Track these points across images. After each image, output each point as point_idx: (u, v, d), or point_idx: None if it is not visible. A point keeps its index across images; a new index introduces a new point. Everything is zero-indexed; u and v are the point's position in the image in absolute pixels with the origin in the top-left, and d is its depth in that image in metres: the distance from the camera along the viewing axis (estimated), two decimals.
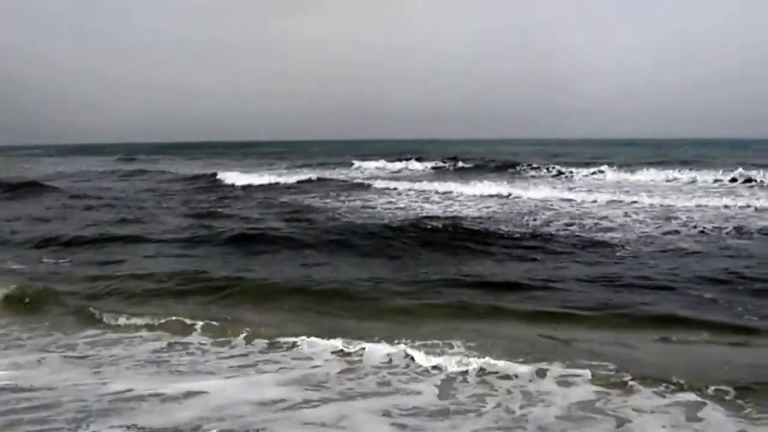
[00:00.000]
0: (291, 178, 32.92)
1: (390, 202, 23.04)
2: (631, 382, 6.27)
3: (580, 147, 77.24)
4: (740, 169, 29.06)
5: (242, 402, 6.10)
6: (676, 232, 15.36)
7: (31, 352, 7.79)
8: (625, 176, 31.41)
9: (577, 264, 12.02)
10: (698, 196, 22.39)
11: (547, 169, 35.58)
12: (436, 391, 6.36)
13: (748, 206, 19.53)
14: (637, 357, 7.23)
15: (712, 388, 6.08)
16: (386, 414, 5.81)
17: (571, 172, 33.91)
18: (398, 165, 43.51)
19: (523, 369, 6.71)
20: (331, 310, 9.40)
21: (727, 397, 5.93)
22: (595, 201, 21.77)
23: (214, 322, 8.62)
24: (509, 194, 24.16)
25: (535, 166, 36.83)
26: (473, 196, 24.22)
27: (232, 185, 30.93)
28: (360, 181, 31.26)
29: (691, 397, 5.97)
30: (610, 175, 32.19)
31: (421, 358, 7.07)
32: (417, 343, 7.66)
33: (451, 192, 25.43)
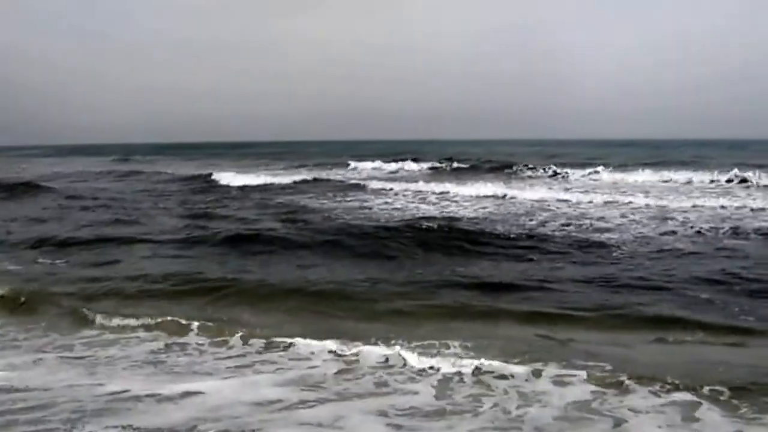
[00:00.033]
0: (287, 179, 32.90)
1: (386, 203, 23.04)
2: (627, 383, 6.28)
3: (578, 147, 77.36)
4: (735, 170, 29.17)
5: (238, 402, 6.09)
6: (673, 232, 15.37)
7: (27, 352, 7.78)
8: (621, 177, 31.44)
9: (574, 265, 12.03)
10: (694, 197, 22.41)
11: (544, 169, 35.63)
12: (433, 391, 6.36)
13: (744, 207, 19.57)
14: (633, 357, 7.24)
15: (708, 388, 6.09)
16: (382, 414, 5.81)
17: (566, 173, 33.97)
18: (394, 166, 43.52)
19: (520, 369, 6.71)
20: (328, 311, 9.40)
21: (722, 398, 5.94)
22: (591, 202, 21.80)
23: (210, 323, 8.62)
24: (505, 195, 24.16)
25: (531, 166, 36.88)
26: (469, 197, 24.23)
27: (228, 186, 30.85)
28: (356, 181, 31.25)
29: (687, 397, 5.98)
30: (607, 175, 32.25)
31: (417, 360, 7.07)
32: (414, 344, 7.67)
33: (447, 192, 25.45)
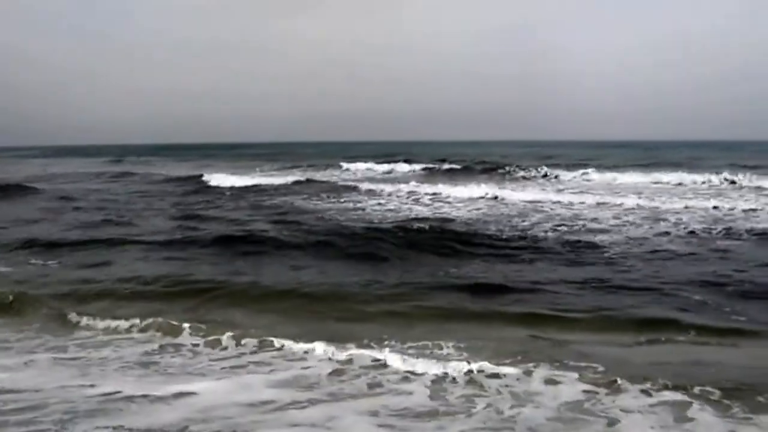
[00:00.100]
0: (280, 180, 32.87)
1: (379, 204, 23.04)
2: (619, 383, 6.28)
3: (572, 149, 77.58)
4: (725, 173, 29.36)
5: (231, 403, 6.08)
6: (666, 233, 15.40)
7: (19, 354, 7.75)
8: (614, 178, 31.49)
9: (567, 266, 12.03)
10: (687, 198, 22.47)
11: (537, 170, 35.65)
12: (427, 392, 6.36)
13: (735, 208, 19.61)
14: (626, 358, 7.25)
15: (701, 388, 6.10)
16: (375, 415, 5.80)
17: (556, 176, 33.95)
18: (387, 167, 43.52)
19: (513, 370, 6.72)
20: (321, 312, 9.39)
21: (715, 398, 5.95)
22: (584, 203, 21.83)
23: (203, 324, 8.60)
24: (498, 196, 24.17)
25: (524, 167, 36.92)
26: (462, 198, 24.23)
27: (220, 187, 30.77)
28: (350, 183, 31.23)
29: (679, 397, 5.98)
30: (600, 177, 32.28)
31: (410, 361, 7.06)
32: (407, 345, 7.69)
33: (440, 194, 25.46)
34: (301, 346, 7.66)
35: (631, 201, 21.69)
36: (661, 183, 29.34)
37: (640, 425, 5.53)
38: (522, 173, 35.35)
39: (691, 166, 38.13)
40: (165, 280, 11.11)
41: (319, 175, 37.82)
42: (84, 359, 7.58)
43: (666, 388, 6.17)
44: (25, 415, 5.80)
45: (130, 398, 6.20)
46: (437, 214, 19.84)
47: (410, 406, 6.00)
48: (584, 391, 6.19)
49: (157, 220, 19.09)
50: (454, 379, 6.61)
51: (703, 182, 28.72)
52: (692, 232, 15.49)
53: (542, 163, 39.86)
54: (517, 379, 6.53)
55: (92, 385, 6.56)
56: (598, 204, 21.46)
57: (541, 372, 6.67)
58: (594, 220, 17.86)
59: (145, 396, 6.25)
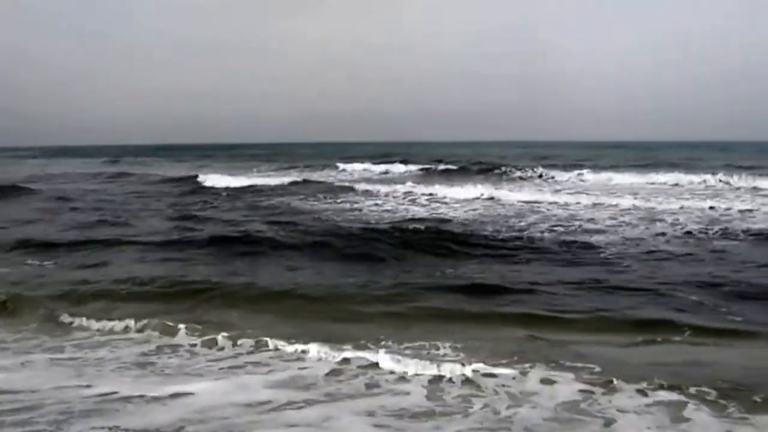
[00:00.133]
0: (277, 180, 32.86)
1: (376, 205, 23.04)
2: (616, 384, 6.29)
3: (570, 149, 77.49)
4: (721, 174, 29.46)
5: (228, 404, 6.08)
6: (662, 234, 15.41)
7: (16, 354, 7.74)
8: (611, 178, 31.52)
9: (563, 266, 12.04)
10: (684, 199, 22.49)
11: (533, 171, 35.67)
12: (424, 392, 6.37)
13: (731, 208, 19.65)
14: (622, 359, 7.26)
15: (697, 388, 6.12)
16: (371, 415, 5.80)
17: (553, 177, 33.94)
18: (384, 167, 43.51)
19: (509, 371, 6.74)
20: (318, 313, 9.38)
21: (711, 398, 5.96)
22: (580, 203, 21.86)
23: (199, 325, 8.61)
24: (495, 197, 24.19)
25: (520, 168, 36.93)
26: (459, 199, 24.24)
27: (217, 188, 30.72)
28: (346, 183, 31.23)
29: (675, 398, 6.00)
30: (597, 177, 32.28)
31: (407, 362, 7.07)
32: (404, 345, 7.70)
33: (436, 194, 25.48)
34: (298, 347, 7.66)
35: (627, 201, 21.73)
36: (657, 183, 29.37)
37: (637, 425, 5.53)
38: (518, 173, 35.35)
39: (688, 166, 38.17)
40: (161, 281, 11.09)
41: (316, 176, 37.83)
42: (81, 360, 7.57)
43: (662, 388, 6.19)
44: (21, 416, 5.79)
45: (126, 399, 6.19)
46: (434, 215, 19.85)
47: (407, 407, 6.00)
48: (581, 392, 6.20)
49: (153, 220, 19.07)
50: (450, 379, 6.62)
51: (700, 183, 28.77)
52: (689, 233, 15.51)
53: (539, 164, 39.92)
54: (514, 379, 6.54)
55: (88, 386, 6.56)
56: (595, 204, 21.50)
57: (538, 372, 6.68)
58: (590, 220, 17.88)
59: (141, 396, 6.24)
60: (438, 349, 7.56)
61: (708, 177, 29.43)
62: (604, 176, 32.17)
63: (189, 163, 59.60)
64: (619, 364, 6.96)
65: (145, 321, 8.81)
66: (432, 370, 6.79)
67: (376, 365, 7.06)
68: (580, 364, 6.87)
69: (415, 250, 13.58)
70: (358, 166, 45.50)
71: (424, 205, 22.83)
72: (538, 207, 21.31)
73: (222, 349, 7.89)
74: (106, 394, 6.30)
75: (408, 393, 6.35)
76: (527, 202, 22.49)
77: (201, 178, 34.22)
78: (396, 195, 26.04)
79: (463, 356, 7.28)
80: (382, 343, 7.77)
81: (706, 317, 8.74)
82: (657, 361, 7.14)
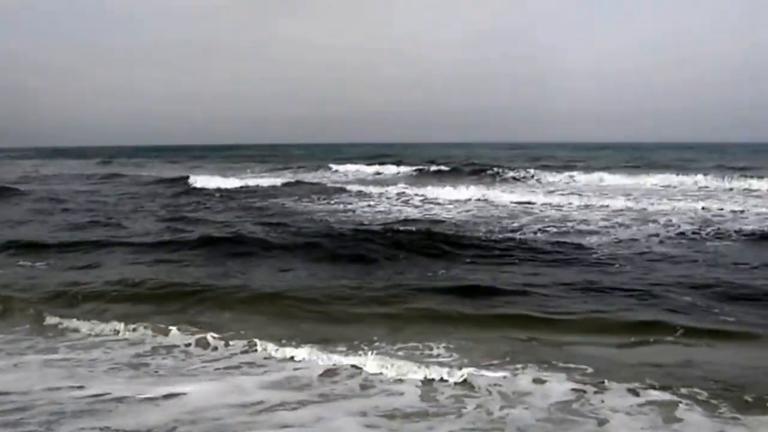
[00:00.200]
0: (270, 181, 32.84)
1: (369, 206, 23.02)
2: (608, 384, 6.30)
3: (564, 151, 77.51)
4: (710, 175, 29.64)
5: (221, 405, 6.08)
6: (655, 235, 15.44)
7: (9, 356, 7.71)
8: (604, 179, 31.59)
9: (556, 268, 12.04)
10: (676, 200, 22.54)
11: (526, 172, 35.71)
12: (418, 392, 6.38)
13: (723, 209, 19.69)
14: (615, 360, 7.28)
15: (689, 389, 6.15)
16: (365, 416, 5.81)
17: (545, 178, 33.96)
18: (377, 168, 43.48)
19: (502, 372, 6.75)
20: (311, 314, 9.37)
21: (703, 399, 5.98)
22: (573, 204, 21.89)
23: (193, 327, 8.59)
24: (488, 198, 24.21)
25: (513, 169, 36.98)
26: (452, 200, 24.24)
27: (211, 189, 30.63)
28: (339, 185, 31.22)
29: (668, 398, 6.01)
30: (589, 178, 32.32)
31: (400, 364, 7.07)
32: (397, 346, 7.69)
33: (429, 195, 25.47)
34: (292, 348, 7.65)
35: (619, 202, 21.76)
36: (649, 184, 29.45)
37: (629, 425, 5.55)
38: (511, 174, 35.37)
39: (680, 167, 38.28)
40: (154, 282, 11.06)
41: (309, 177, 37.80)
42: (74, 361, 7.55)
43: (654, 388, 6.21)
44: (12, 417, 5.78)
45: (118, 399, 6.19)
46: (427, 216, 19.85)
47: (400, 407, 6.01)
48: (573, 392, 6.21)
49: (145, 221, 19.01)
50: (444, 380, 6.61)
51: (692, 184, 28.88)
52: (681, 234, 15.55)
53: (532, 165, 40.02)
54: (507, 380, 6.55)
55: (81, 387, 6.55)
56: (587, 205, 21.53)
57: (531, 373, 6.69)
58: (583, 221, 17.90)
59: (134, 397, 6.24)
60: (431, 350, 7.57)
61: (700, 178, 29.55)
62: (596, 177, 32.22)
63: (182, 165, 59.48)
64: (612, 365, 6.98)
65: (137, 322, 8.79)
66: (425, 371, 6.79)
67: (369, 367, 7.06)
68: (572, 365, 6.89)
69: (408, 251, 13.56)
70: (351, 168, 45.45)
71: (417, 206, 22.82)
72: (531, 208, 21.33)
73: (216, 350, 7.87)
74: (99, 395, 6.29)
75: (402, 393, 6.35)
76: (520, 203, 22.52)
77: (192, 179, 34.07)
78: (389, 196, 26.02)
79: (456, 357, 7.29)
80: (376, 344, 7.77)
81: (699, 318, 8.75)
82: (649, 362, 7.16)
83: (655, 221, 17.61)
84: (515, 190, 27.01)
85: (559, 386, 6.36)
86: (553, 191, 27.31)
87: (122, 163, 64.52)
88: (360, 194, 26.94)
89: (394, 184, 30.39)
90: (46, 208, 23.10)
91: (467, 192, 25.45)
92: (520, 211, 20.64)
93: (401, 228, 16.12)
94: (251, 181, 33.08)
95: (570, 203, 22.15)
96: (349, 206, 22.87)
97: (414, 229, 15.90)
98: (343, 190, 28.30)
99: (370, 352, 7.38)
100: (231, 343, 7.96)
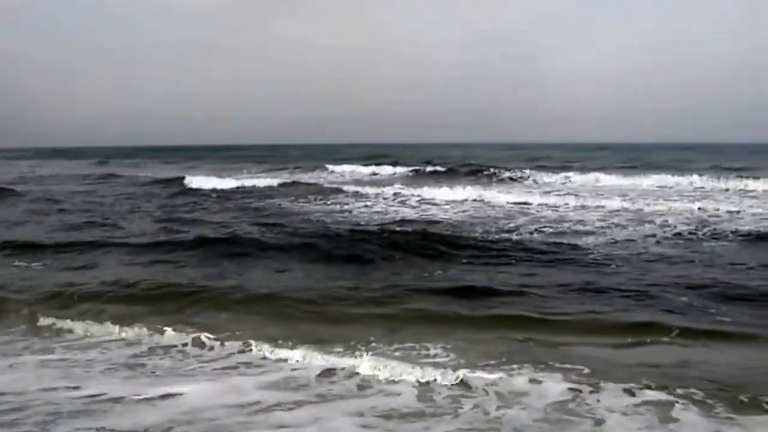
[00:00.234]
0: (266, 182, 32.82)
1: (366, 206, 23.03)
2: (604, 385, 6.31)
3: (561, 151, 77.46)
4: (706, 176, 29.71)
5: (217, 405, 6.08)
6: (652, 235, 15.46)
7: (5, 357, 7.71)
8: (599, 180, 31.62)
9: (553, 268, 12.05)
10: (673, 200, 22.56)
11: (522, 172, 35.72)
12: (415, 392, 6.39)
13: (719, 209, 19.72)
14: (611, 360, 7.29)
15: (686, 390, 6.15)
16: (361, 416, 5.81)
17: (534, 180, 33.94)
18: (373, 169, 43.45)
19: (499, 372, 6.75)
20: (308, 315, 9.36)
21: (699, 399, 5.99)
22: (570, 205, 21.90)
23: (188, 327, 8.60)
24: (485, 198, 24.20)
25: (510, 169, 36.97)
26: (448, 200, 24.24)
27: (207, 189, 30.58)
28: (336, 185, 31.23)
29: (664, 398, 6.02)
30: (586, 179, 32.33)
31: (398, 365, 7.07)
32: (394, 347, 7.70)
33: (426, 196, 25.46)
34: (288, 349, 7.66)
35: (616, 203, 21.78)
36: (646, 185, 29.48)
37: (626, 425, 5.56)
38: (508, 174, 35.36)
39: (677, 168, 38.31)
40: (150, 283, 11.04)
41: (306, 177, 37.79)
42: (70, 361, 7.55)
43: (651, 389, 6.22)
44: (7, 417, 5.78)
45: (115, 400, 6.19)
46: (423, 216, 19.86)
47: (397, 408, 6.02)
48: (570, 392, 6.22)
49: (142, 222, 18.98)
50: (440, 380, 6.62)
51: (688, 184, 28.93)
52: (678, 234, 15.57)
53: (528, 165, 40.04)
54: (503, 380, 6.55)
55: (77, 387, 6.55)
56: (584, 206, 21.54)
57: (527, 373, 6.70)
58: (580, 222, 17.91)
59: (130, 398, 6.24)
60: (428, 350, 7.58)
61: (695, 178, 29.61)
62: (591, 178, 32.24)
63: (178, 165, 59.40)
64: (608, 365, 7.00)
65: (134, 323, 8.80)
66: (422, 372, 6.80)
67: (366, 368, 7.06)
68: (569, 366, 6.90)
69: (404, 251, 13.56)
70: (347, 168, 45.40)
71: (413, 207, 22.82)
72: (528, 208, 21.34)
73: (213, 350, 7.88)
74: (95, 396, 6.29)
75: (399, 394, 6.36)
76: (517, 204, 22.53)
77: (188, 180, 34.01)
78: (386, 196, 26.01)
79: (453, 357, 7.30)
80: (372, 345, 7.77)
81: (695, 318, 8.76)
82: (646, 362, 7.17)
83: (651, 222, 17.62)
84: (512, 191, 27.03)
85: (555, 386, 6.37)
86: (549, 192, 27.31)
87: (118, 164, 64.40)
88: (357, 195, 26.92)
89: (391, 184, 30.39)
90: (42, 208, 23.07)
91: (464, 192, 25.45)
92: (516, 211, 20.66)
93: (398, 228, 16.13)
94: (248, 182, 33.04)
95: (567, 204, 22.15)
96: (346, 207, 22.88)
97: (410, 229, 15.91)
98: (339, 191, 28.29)
99: (366, 353, 7.38)
100: (227, 343, 7.96)
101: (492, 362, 7.05)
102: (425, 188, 27.26)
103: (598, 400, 6.03)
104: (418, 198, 25.10)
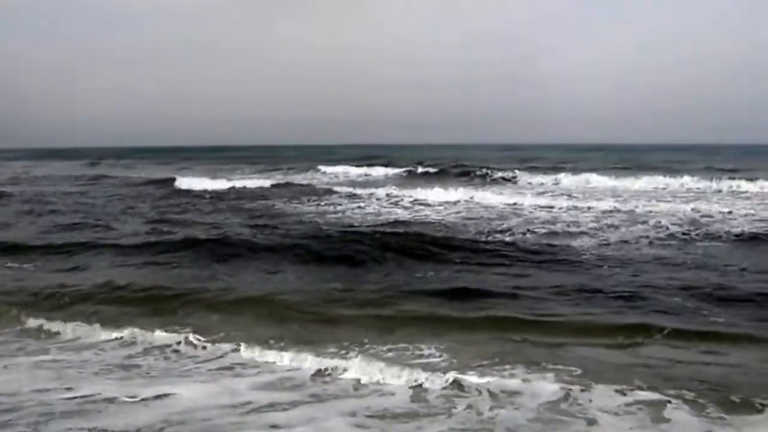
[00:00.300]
0: (259, 183, 32.80)
1: (359, 207, 23.02)
2: (596, 385, 6.33)
3: (554, 152, 77.54)
4: (697, 177, 29.88)
5: (210, 406, 6.08)
6: (645, 236, 15.48)
7: (1, 358, 7.69)
8: (589, 181, 31.67)
9: (545, 270, 12.06)
10: (666, 201, 22.62)
11: (515, 173, 35.74)
12: (409, 393, 6.41)
13: (712, 211, 19.77)
14: (604, 361, 7.31)
15: (678, 390, 6.18)
16: (355, 416, 5.82)
17: (528, 181, 33.97)
18: (365, 170, 43.44)
19: (492, 373, 6.78)
20: (300, 316, 9.35)
21: (691, 399, 6.02)
22: (563, 206, 21.91)
23: (181, 329, 8.60)
24: (477, 199, 24.21)
25: (503, 170, 37.00)
26: (441, 201, 24.22)
27: (197, 190, 30.53)
28: (329, 186, 31.22)
29: (656, 398, 6.05)
30: (579, 179, 32.35)
31: (391, 365, 7.08)
32: (387, 348, 7.71)
33: (418, 197, 25.46)
34: (282, 350, 7.67)
35: (609, 204, 21.81)
36: (639, 186, 29.55)
37: (618, 425, 5.58)
38: (500, 175, 35.40)
39: (669, 169, 38.39)
40: (142, 285, 11.03)
41: (299, 179, 37.77)
42: (63, 362, 7.55)
43: (643, 389, 6.25)
44: (1, 418, 5.76)
45: (108, 400, 6.18)
46: (416, 218, 19.86)
47: (391, 408, 6.03)
48: (562, 393, 6.23)
49: (133, 223, 18.94)
50: (434, 381, 6.63)
51: (679, 186, 29.01)
52: (671, 235, 15.61)
53: (520, 166, 40.07)
54: (496, 381, 6.57)
55: (70, 388, 6.54)
56: (577, 207, 21.55)
57: (520, 374, 6.73)
58: (573, 223, 17.93)
59: (124, 398, 6.23)
60: (421, 350, 7.59)
61: (687, 179, 29.72)
62: (582, 179, 32.28)
63: (171, 166, 59.27)
64: (601, 366, 7.02)
65: (126, 324, 8.80)
66: (415, 373, 6.81)
67: (360, 369, 7.07)
68: (561, 366, 6.93)
69: (397, 252, 13.55)
70: (340, 169, 45.36)
71: (406, 208, 22.82)
72: (521, 210, 21.35)
73: (207, 351, 7.88)
74: (88, 396, 6.28)
75: (393, 394, 6.38)
76: (509, 205, 22.53)
77: (179, 181, 33.96)
78: (379, 197, 26.01)
79: (446, 358, 7.31)
80: (366, 346, 7.79)
81: (687, 319, 8.80)
82: (638, 363, 7.20)
83: (644, 222, 17.65)
84: (504, 192, 27.05)
85: (548, 387, 6.39)
86: (543, 192, 27.35)
87: (110, 165, 64.24)
88: (350, 196, 26.92)
89: (384, 185, 30.40)
90: (34, 209, 22.99)
91: (456, 193, 25.45)
92: (509, 212, 20.67)
93: (390, 230, 16.12)
94: (240, 183, 32.99)
95: (559, 205, 22.16)
96: (339, 208, 22.86)
97: (403, 230, 15.90)
98: (332, 192, 28.28)
99: (359, 354, 7.40)
100: (220, 345, 7.97)
101: (485, 363, 7.07)
102: (418, 189, 27.25)
103: (591, 401, 6.05)
104: (411, 199, 25.09)
